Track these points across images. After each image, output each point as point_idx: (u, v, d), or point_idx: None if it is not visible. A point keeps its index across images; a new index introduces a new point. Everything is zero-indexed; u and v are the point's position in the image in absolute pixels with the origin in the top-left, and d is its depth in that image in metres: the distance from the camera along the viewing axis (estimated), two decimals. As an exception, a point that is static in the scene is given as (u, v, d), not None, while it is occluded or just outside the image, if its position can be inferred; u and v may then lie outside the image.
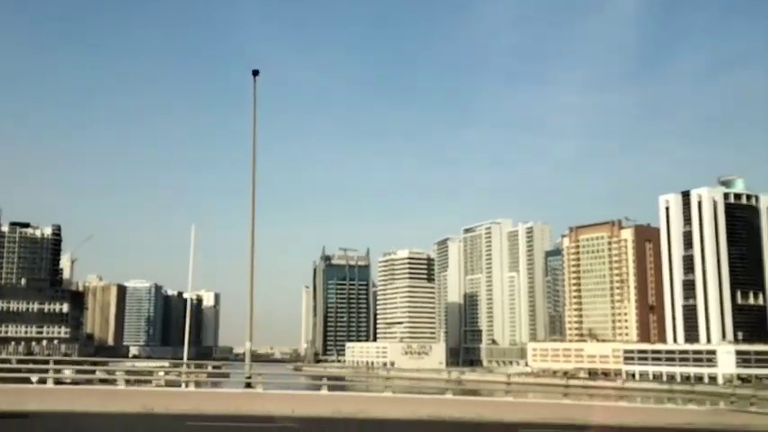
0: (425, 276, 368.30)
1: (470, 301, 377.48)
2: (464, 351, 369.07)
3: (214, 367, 58.06)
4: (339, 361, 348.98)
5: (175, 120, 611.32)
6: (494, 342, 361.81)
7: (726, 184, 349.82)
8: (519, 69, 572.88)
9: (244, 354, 33.71)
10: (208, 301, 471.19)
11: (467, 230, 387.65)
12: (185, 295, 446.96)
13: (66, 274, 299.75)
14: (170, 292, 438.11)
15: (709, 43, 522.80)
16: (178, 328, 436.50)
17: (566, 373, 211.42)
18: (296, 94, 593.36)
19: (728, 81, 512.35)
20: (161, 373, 37.70)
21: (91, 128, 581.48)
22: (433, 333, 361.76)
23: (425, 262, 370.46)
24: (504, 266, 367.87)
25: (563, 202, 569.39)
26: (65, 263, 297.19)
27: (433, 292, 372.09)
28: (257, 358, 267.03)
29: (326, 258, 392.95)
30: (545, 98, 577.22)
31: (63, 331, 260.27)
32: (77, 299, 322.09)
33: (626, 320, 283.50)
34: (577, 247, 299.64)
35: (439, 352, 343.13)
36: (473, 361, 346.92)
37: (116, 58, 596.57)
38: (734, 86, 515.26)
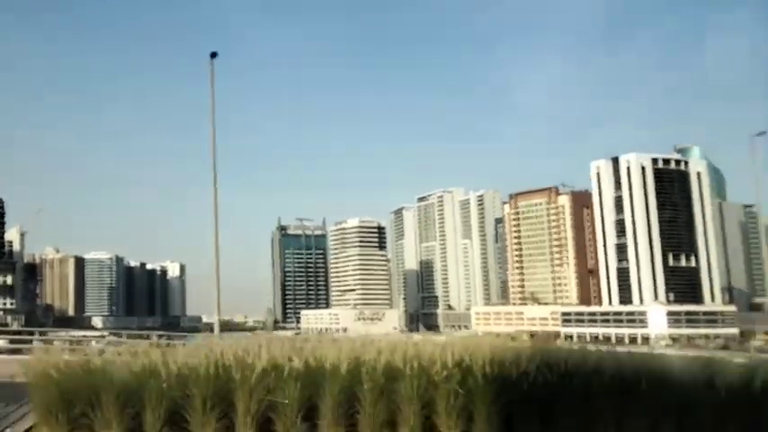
0: (377, 244, 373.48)
1: (426, 269, 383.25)
2: (422, 317, 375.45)
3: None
4: (298, 329, 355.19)
5: (142, 84, 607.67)
6: (449, 307, 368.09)
7: (682, 152, 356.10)
8: (476, 38, 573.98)
9: (213, 323, 34.21)
10: (173, 272, 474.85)
11: (420, 199, 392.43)
12: (149, 266, 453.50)
13: (16, 247, 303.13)
14: (132, 263, 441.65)
15: (669, 18, 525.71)
16: (143, 298, 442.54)
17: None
18: (255, 62, 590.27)
19: (686, 56, 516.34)
20: (93, 343, 37.35)
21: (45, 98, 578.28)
22: (387, 299, 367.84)
23: (376, 230, 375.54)
24: (457, 234, 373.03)
25: (521, 171, 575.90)
26: (13, 235, 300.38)
27: (386, 260, 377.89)
28: (230, 327, 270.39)
29: (282, 228, 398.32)
30: (501, 68, 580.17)
31: (9, 302, 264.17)
32: (30, 271, 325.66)
33: (566, 284, 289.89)
34: (517, 213, 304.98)
35: (392, 317, 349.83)
36: (430, 326, 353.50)
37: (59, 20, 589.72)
38: (690, 61, 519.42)
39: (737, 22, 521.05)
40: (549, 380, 12.55)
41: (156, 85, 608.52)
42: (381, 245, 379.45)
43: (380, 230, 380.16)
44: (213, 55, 33.65)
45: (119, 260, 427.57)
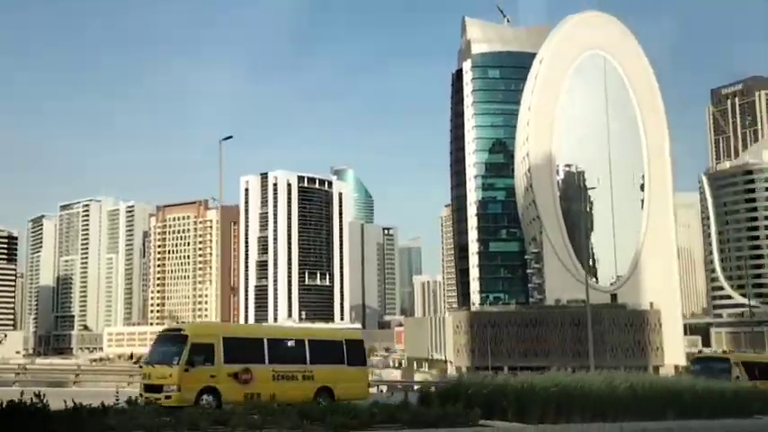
0: (5, 257, 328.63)
1: (65, 285, 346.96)
2: (54, 339, 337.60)
3: None
4: None
5: None
6: (86, 328, 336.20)
7: (338, 173, 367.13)
8: (171, 48, 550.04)
9: None
10: None
11: (63, 207, 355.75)
12: None
13: None
14: None
15: (352, 42, 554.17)
16: None
17: (133, 357, 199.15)
18: None
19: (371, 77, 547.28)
20: None
21: None
22: (11, 319, 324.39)
23: (5, 240, 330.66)
24: (102, 247, 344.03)
25: (183, 183, 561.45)
26: None
27: (14, 274, 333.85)
28: None
29: None
30: (189, 80, 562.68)
31: None
32: None
33: (207, 302, 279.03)
34: (164, 227, 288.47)
35: (17, 340, 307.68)
36: (63, 349, 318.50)
37: None
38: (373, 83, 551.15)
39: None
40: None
41: None
42: (11, 257, 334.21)
43: (11, 240, 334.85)
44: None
45: None
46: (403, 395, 27.34)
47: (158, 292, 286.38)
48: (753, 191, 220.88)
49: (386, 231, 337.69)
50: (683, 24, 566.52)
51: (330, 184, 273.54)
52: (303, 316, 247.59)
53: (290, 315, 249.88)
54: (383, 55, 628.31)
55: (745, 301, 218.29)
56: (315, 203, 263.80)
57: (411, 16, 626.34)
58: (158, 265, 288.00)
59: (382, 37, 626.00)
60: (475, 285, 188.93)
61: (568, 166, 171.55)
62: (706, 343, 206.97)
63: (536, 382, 21.15)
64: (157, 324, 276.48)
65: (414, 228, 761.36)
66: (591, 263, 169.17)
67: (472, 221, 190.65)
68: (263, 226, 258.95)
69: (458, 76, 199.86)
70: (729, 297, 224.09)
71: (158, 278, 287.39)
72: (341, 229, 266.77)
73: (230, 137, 39.71)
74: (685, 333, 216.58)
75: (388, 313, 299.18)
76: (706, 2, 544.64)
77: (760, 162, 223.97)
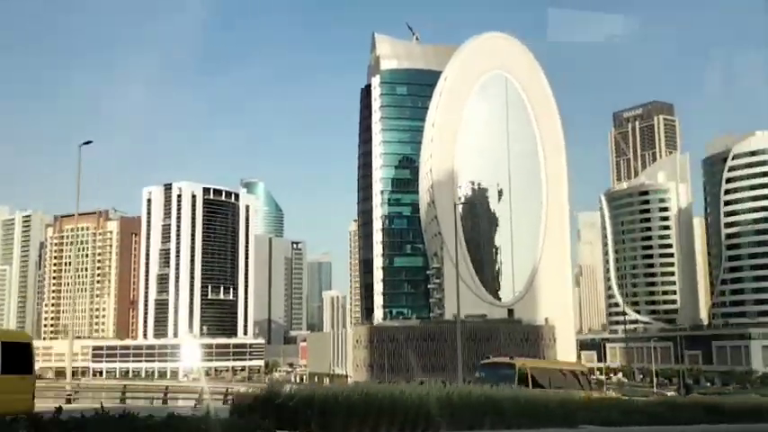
0: None
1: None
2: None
3: None
4: None
5: None
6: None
7: (248, 186, 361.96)
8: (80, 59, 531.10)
9: None
10: None
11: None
12: None
13: None
14: None
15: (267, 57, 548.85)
16: None
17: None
18: None
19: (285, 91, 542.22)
20: None
21: None
22: None
23: None
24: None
25: (89, 193, 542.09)
26: None
27: None
28: None
29: None
30: (99, 90, 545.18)
31: None
32: None
33: (104, 315, 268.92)
34: (62, 238, 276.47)
35: None
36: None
37: None
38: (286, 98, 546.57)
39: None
40: None
41: None
42: None
43: None
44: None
45: None
46: (207, 406, 25.65)
47: (53, 305, 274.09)
48: (648, 210, 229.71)
49: (294, 245, 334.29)
50: (588, 50, 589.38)
51: (237, 196, 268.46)
52: (204, 331, 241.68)
53: (191, 329, 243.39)
54: (298, 69, 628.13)
55: (639, 317, 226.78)
56: (220, 216, 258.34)
57: (324, 31, 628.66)
58: (54, 277, 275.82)
59: (298, 51, 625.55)
60: (379, 300, 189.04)
61: (471, 183, 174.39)
62: (601, 358, 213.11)
63: (338, 393, 20.30)
64: (51, 338, 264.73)
65: (326, 242, 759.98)
66: (491, 279, 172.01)
67: (378, 236, 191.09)
68: (166, 238, 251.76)
69: (367, 91, 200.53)
70: (625, 313, 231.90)
71: (54, 290, 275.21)
72: (246, 243, 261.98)
73: (90, 141, 38.35)
74: (584, 348, 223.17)
75: (295, 328, 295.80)
76: (609, 29, 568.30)
77: (654, 183, 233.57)
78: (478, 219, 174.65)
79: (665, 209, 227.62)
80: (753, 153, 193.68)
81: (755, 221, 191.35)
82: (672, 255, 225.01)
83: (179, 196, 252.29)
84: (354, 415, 19.72)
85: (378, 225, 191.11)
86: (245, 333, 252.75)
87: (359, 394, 20.29)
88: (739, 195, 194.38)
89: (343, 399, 19.83)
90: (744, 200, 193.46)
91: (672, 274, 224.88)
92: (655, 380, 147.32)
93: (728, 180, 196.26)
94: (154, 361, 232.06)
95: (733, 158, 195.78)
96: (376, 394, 20.79)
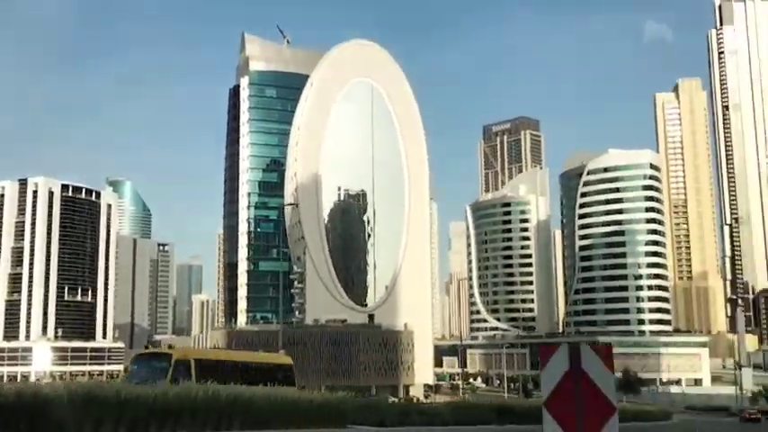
0: None
1: None
2: None
3: None
4: None
5: None
6: None
7: (114, 184, 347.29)
8: None
9: None
10: None
11: None
12: None
13: None
14: None
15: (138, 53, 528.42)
16: None
17: None
18: None
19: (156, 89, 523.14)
20: None
21: None
22: None
23: None
24: None
25: None
26: None
27: None
28: None
29: None
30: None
31: None
32: None
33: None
34: None
35: None
36: None
37: None
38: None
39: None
40: None
41: None
42: None
43: None
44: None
45: None
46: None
47: None
48: (509, 222, 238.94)
49: (161, 247, 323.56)
50: (461, 62, 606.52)
51: (99, 194, 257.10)
52: (59, 333, 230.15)
53: (44, 332, 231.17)
54: (167, 67, 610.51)
55: (499, 324, 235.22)
56: (80, 214, 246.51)
57: (195, 28, 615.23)
58: None
59: (167, 48, 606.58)
60: (243, 304, 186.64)
61: (337, 188, 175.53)
62: (462, 364, 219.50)
63: (53, 392, 19.49)
64: None
65: (197, 245, 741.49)
66: (354, 284, 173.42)
67: (243, 240, 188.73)
68: (19, 236, 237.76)
69: (235, 92, 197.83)
70: (485, 320, 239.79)
71: None
72: (107, 243, 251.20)
73: None
74: (448, 354, 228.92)
75: (160, 332, 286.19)
76: (480, 43, 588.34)
77: (516, 195, 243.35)
78: (344, 224, 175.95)
79: (526, 220, 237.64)
80: (606, 169, 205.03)
81: (607, 234, 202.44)
82: (531, 264, 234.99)
83: (35, 192, 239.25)
84: (62, 416, 19.26)
85: (243, 228, 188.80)
86: (105, 337, 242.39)
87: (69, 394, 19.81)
88: (592, 209, 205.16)
89: (56, 398, 19.32)
90: (596, 213, 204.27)
91: (530, 283, 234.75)
92: (505, 385, 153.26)
93: (583, 194, 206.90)
94: (4, 364, 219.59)
95: (588, 174, 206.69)
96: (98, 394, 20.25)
